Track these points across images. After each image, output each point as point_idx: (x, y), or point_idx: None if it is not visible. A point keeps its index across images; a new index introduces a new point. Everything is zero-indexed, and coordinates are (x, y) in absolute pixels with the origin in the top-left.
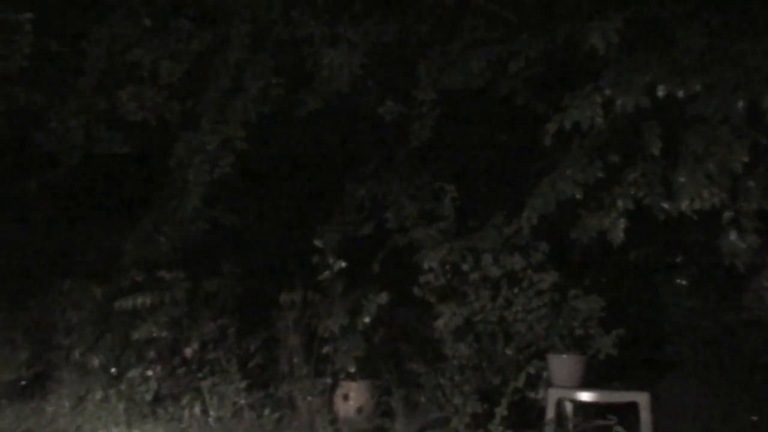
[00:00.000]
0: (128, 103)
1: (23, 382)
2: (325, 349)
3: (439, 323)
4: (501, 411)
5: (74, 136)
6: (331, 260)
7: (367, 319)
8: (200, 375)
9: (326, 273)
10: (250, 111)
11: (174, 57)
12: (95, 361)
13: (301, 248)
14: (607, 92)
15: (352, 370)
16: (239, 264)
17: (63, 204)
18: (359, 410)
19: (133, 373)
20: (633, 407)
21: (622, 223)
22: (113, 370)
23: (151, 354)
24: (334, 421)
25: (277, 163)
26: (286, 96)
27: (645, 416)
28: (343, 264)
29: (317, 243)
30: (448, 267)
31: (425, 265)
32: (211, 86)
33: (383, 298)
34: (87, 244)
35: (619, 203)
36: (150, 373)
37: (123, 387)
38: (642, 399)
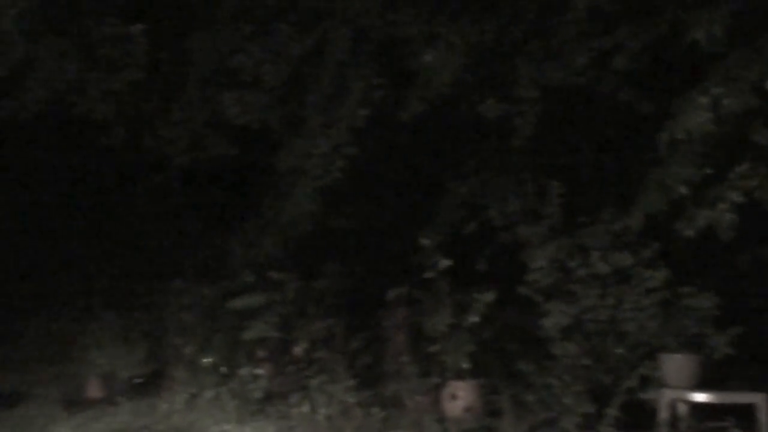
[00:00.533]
0: (232, 107)
1: (139, 380)
2: (432, 348)
3: (547, 322)
4: (612, 411)
5: (181, 141)
6: (435, 259)
7: (474, 318)
8: (308, 374)
9: (431, 272)
10: (357, 116)
11: (275, 61)
12: (206, 360)
13: (406, 247)
14: (714, 91)
15: (465, 366)
16: (346, 263)
17: (172, 207)
18: (467, 410)
19: (244, 371)
20: (749, 409)
21: (730, 217)
22: (224, 368)
23: (261, 353)
24: (441, 420)
25: (380, 163)
26: (387, 98)
27: (762, 418)
28: (448, 262)
29: (423, 241)
30: (556, 265)
31: (533, 264)
32: (314, 90)
33: (490, 296)
34: (196, 245)
35: (728, 196)
36: (260, 371)
37: (234, 385)
38: (759, 400)
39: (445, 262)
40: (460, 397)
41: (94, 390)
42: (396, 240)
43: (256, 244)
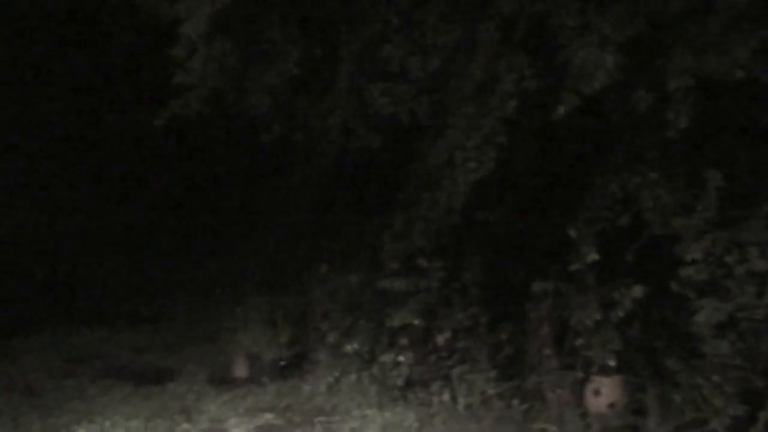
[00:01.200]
0: (380, 99)
1: (283, 362)
2: (578, 342)
3: (699, 318)
4: (765, 415)
5: (331, 133)
6: (583, 251)
7: (621, 313)
8: (450, 363)
9: (578, 264)
10: (507, 106)
11: (423, 52)
12: (350, 346)
13: (553, 239)
14: None
15: (612, 363)
16: (492, 254)
17: (321, 196)
18: (611, 406)
19: (386, 358)
20: None
21: None
22: (366, 354)
23: (404, 340)
24: (584, 415)
25: (529, 154)
26: (538, 90)
27: None
28: (595, 256)
29: (571, 233)
30: (711, 260)
31: (688, 257)
32: (462, 81)
33: (638, 291)
34: (342, 234)
35: None
36: (402, 358)
37: (375, 371)
38: None
39: (592, 256)
40: (604, 393)
41: (239, 370)
42: (543, 232)
43: (403, 234)
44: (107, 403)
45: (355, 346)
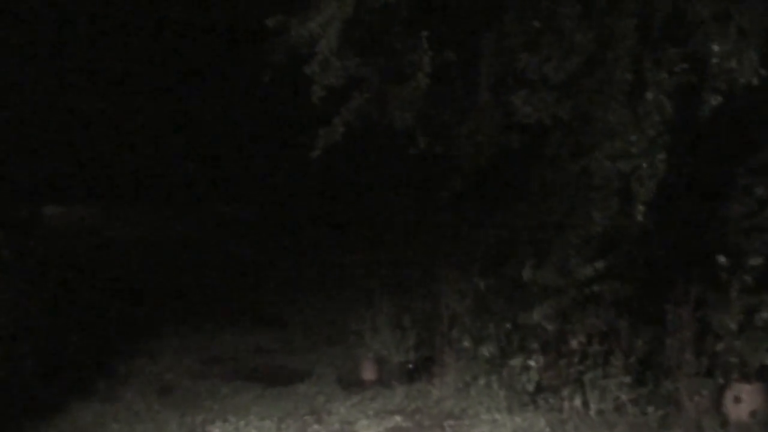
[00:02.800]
0: (522, 107)
1: (411, 365)
2: (719, 347)
3: None
4: None
5: (475, 142)
6: (721, 255)
7: (766, 316)
8: (582, 367)
9: (720, 268)
10: (665, 106)
11: (563, 56)
12: (479, 349)
13: (695, 243)
14: None
15: (757, 369)
16: (631, 255)
17: (452, 199)
18: (752, 414)
19: (515, 361)
20: None
21: None
22: (496, 358)
23: (534, 344)
24: (723, 424)
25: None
26: (685, 87)
27: None
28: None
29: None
30: None
31: None
32: (605, 83)
33: None
34: (470, 236)
35: None
36: (532, 362)
37: (505, 375)
38: None
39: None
40: (745, 400)
41: (368, 372)
42: (686, 234)
43: (536, 238)
44: (240, 403)
45: (485, 349)
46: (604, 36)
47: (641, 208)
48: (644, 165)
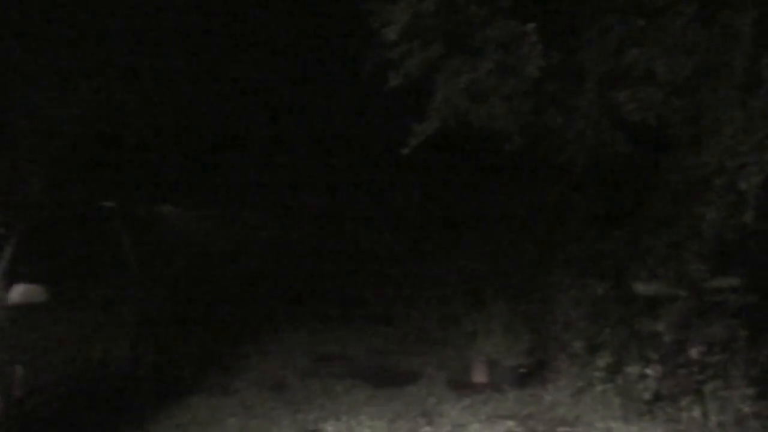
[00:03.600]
0: (627, 104)
1: (523, 370)
2: None
3: None
4: None
5: (580, 142)
6: None
7: None
8: (702, 377)
9: None
10: None
11: (672, 54)
12: (593, 355)
13: None
14: None
15: None
16: (752, 266)
17: (565, 202)
18: None
19: (632, 369)
20: None
21: None
22: (611, 365)
23: (652, 352)
24: None
25: None
26: None
27: None
28: None
29: None
30: None
31: None
32: (719, 82)
33: None
34: (587, 241)
35: None
36: (649, 371)
37: (621, 383)
38: None
39: None
40: None
41: (479, 375)
42: None
43: (655, 243)
44: (352, 402)
45: (600, 356)
46: (720, 34)
47: (751, 207)
48: (751, 162)
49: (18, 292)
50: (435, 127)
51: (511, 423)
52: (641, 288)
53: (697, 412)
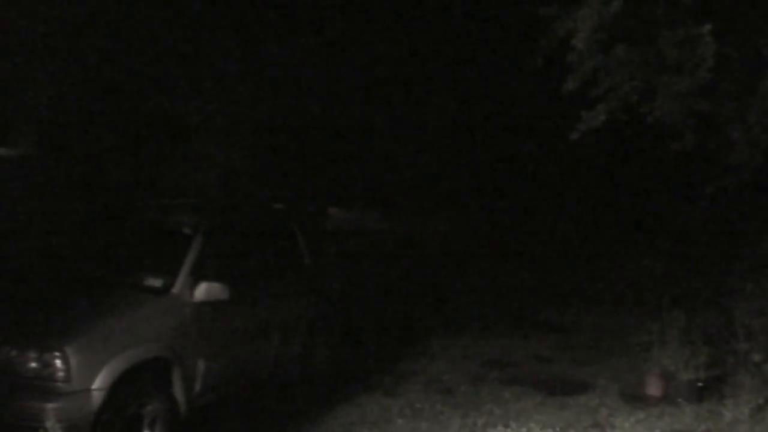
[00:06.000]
0: None
1: (701, 384)
2: None
3: None
4: None
5: (758, 140)
6: None
7: None
8: None
9: None
10: None
11: None
12: None
13: None
14: None
15: None
16: None
17: (738, 210)
18: None
19: None
20: None
21: None
22: None
23: None
24: None
25: None
26: None
27: None
28: None
29: None
30: None
31: None
32: None
33: None
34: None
35: None
36: None
37: None
38: None
39: None
40: None
41: (653, 388)
42: None
43: None
44: (521, 409)
45: None
46: None
47: None
48: None
49: (203, 290)
50: (602, 119)
51: None
52: None
53: None
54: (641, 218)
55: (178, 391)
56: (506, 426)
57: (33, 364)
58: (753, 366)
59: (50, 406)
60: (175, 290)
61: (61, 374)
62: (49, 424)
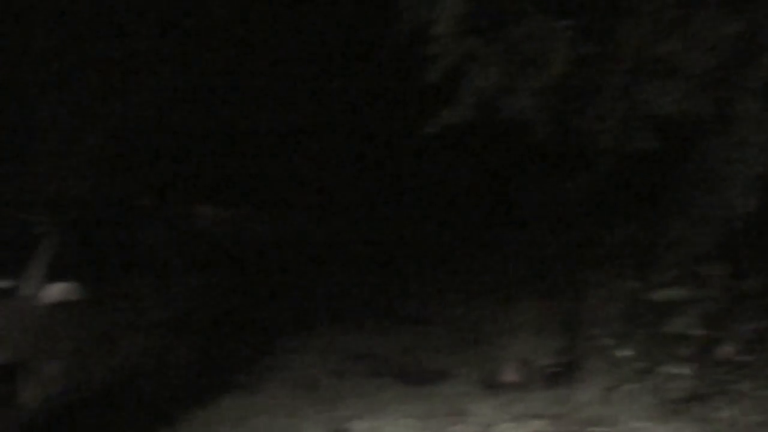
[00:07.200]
0: (656, 98)
1: (553, 369)
2: None
3: None
4: None
5: (605, 135)
6: None
7: None
8: (736, 377)
9: None
10: None
11: (701, 47)
12: (624, 354)
13: None
14: None
15: None
16: None
17: (594, 199)
18: None
19: (663, 369)
20: None
21: None
22: (642, 364)
23: (684, 351)
24: None
25: None
26: None
27: None
28: None
29: None
30: None
31: None
32: (747, 75)
33: None
34: (617, 238)
35: None
36: (681, 370)
37: (651, 382)
38: None
39: None
40: None
41: (509, 374)
42: None
43: (682, 239)
44: (382, 401)
45: (631, 355)
46: (749, 26)
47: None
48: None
49: (55, 291)
50: (461, 116)
51: (540, 422)
52: (660, 296)
53: (729, 413)
54: (502, 210)
55: (25, 396)
56: (367, 417)
57: None
58: (602, 350)
59: None
60: (24, 291)
61: None
62: None
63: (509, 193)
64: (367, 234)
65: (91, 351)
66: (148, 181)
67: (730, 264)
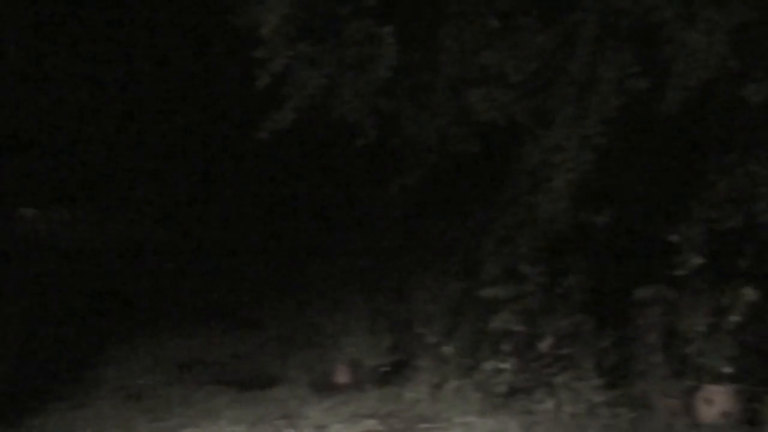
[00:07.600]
0: (479, 104)
1: (384, 369)
2: (688, 349)
3: None
4: None
5: (429, 138)
6: (688, 256)
7: (736, 317)
8: (554, 370)
9: (683, 269)
10: (609, 106)
11: (521, 55)
12: (451, 351)
13: (659, 243)
14: None
15: (727, 370)
16: (595, 259)
17: (420, 202)
18: (724, 416)
19: (488, 365)
20: None
21: None
22: (468, 360)
23: (507, 347)
24: (695, 425)
25: (633, 155)
26: (641, 87)
27: None
28: (700, 260)
29: (672, 238)
30: None
31: None
32: (562, 81)
33: (751, 294)
34: (442, 239)
35: None
36: (504, 365)
37: (477, 378)
38: None
39: (696, 260)
40: (717, 402)
41: (341, 376)
42: (649, 235)
43: (505, 240)
44: (212, 408)
45: (457, 352)
46: (566, 35)
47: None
48: (569, 164)
49: None
50: (291, 118)
51: (372, 422)
52: (487, 293)
53: (550, 404)
54: (331, 212)
55: None
56: (196, 426)
57: None
58: (430, 348)
59: None
60: None
61: None
62: None
63: (342, 196)
64: (201, 238)
65: None
66: None
67: (550, 263)
